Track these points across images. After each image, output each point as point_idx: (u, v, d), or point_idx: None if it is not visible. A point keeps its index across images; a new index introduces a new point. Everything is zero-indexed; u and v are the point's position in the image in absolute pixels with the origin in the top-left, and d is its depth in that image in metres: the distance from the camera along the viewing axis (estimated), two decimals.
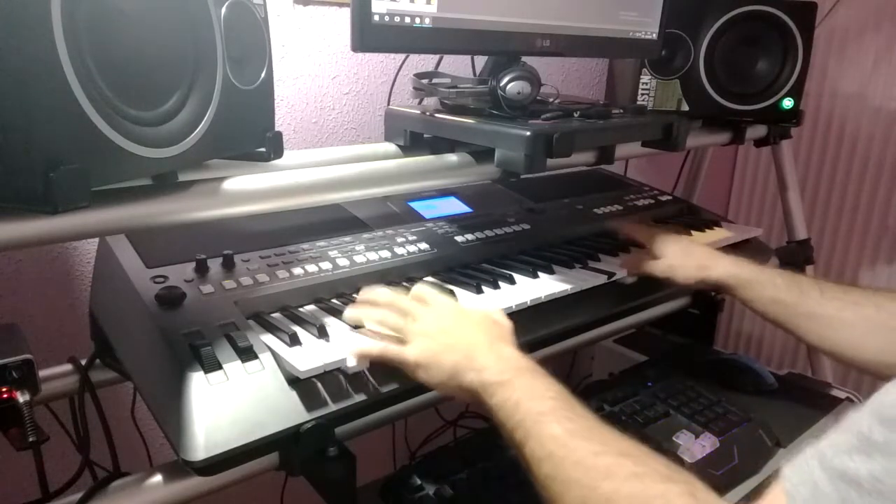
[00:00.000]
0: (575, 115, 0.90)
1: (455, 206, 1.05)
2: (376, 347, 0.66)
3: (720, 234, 1.18)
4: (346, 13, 0.94)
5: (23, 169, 0.46)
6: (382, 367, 0.68)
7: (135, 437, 0.94)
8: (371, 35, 0.76)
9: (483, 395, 0.61)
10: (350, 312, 0.71)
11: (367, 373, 0.67)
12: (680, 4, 1.09)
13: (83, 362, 0.78)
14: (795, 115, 1.21)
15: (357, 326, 0.71)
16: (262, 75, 0.69)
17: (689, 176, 1.63)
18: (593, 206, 1.17)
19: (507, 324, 0.70)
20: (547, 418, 0.56)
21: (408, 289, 0.73)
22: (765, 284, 0.86)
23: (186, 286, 0.71)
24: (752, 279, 0.87)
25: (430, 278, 0.86)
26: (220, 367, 0.61)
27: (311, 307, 0.77)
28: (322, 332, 0.68)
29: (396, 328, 0.68)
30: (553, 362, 0.64)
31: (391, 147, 0.95)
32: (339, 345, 0.67)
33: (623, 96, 1.36)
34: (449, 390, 0.65)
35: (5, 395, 0.63)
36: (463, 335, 0.66)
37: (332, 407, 0.63)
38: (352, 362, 0.65)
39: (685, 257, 0.92)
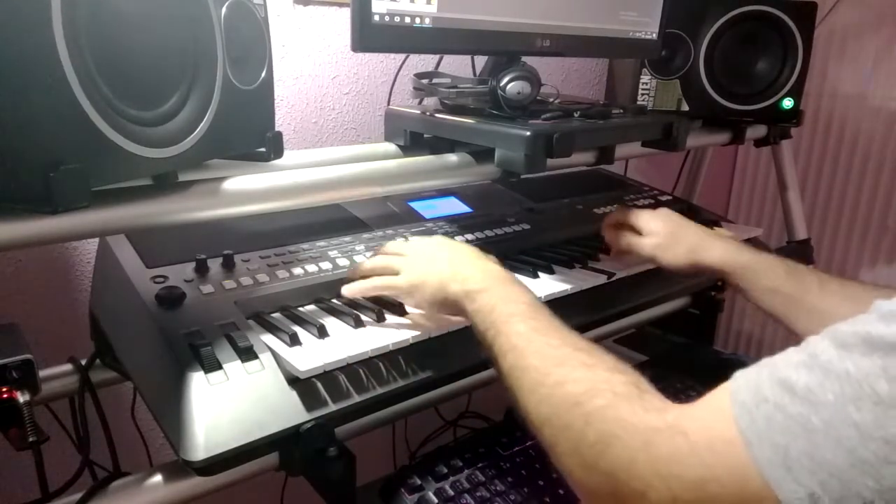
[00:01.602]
0: (575, 115, 0.90)
1: (455, 206, 1.05)
2: (368, 283, 0.73)
3: (720, 234, 1.18)
4: (346, 13, 0.94)
5: (23, 169, 0.46)
6: (383, 366, 0.68)
7: (135, 437, 0.94)
8: (371, 35, 0.76)
9: (464, 301, 0.66)
10: (347, 287, 0.74)
11: (367, 373, 0.67)
12: (680, 4, 1.09)
13: (83, 362, 0.78)
14: (795, 115, 1.21)
15: (358, 323, 0.71)
16: (262, 75, 0.69)
17: (689, 176, 1.63)
18: (593, 206, 1.16)
19: (490, 254, 0.75)
20: (515, 318, 0.61)
21: None
22: (764, 273, 0.81)
23: (186, 286, 0.71)
24: (749, 266, 0.81)
25: None
26: (220, 367, 0.61)
27: (311, 307, 0.77)
28: (322, 332, 0.68)
29: (387, 266, 0.74)
30: None
31: (391, 147, 0.95)
32: (339, 345, 0.67)
33: (623, 96, 1.36)
34: (437, 304, 0.70)
35: (5, 395, 0.63)
36: (450, 255, 0.71)
37: (332, 407, 0.63)
38: (351, 348, 0.67)
39: (675, 238, 0.86)
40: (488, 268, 0.69)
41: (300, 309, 0.76)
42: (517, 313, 0.61)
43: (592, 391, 0.51)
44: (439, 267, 0.70)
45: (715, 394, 0.46)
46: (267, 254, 0.80)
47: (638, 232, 0.90)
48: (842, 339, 0.41)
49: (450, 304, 0.68)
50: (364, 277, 0.75)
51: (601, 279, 0.91)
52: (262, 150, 0.73)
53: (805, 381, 0.40)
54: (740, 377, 0.45)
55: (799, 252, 1.40)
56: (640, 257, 0.90)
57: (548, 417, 0.53)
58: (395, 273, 0.73)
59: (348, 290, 0.73)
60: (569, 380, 0.53)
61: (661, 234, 0.87)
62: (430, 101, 0.98)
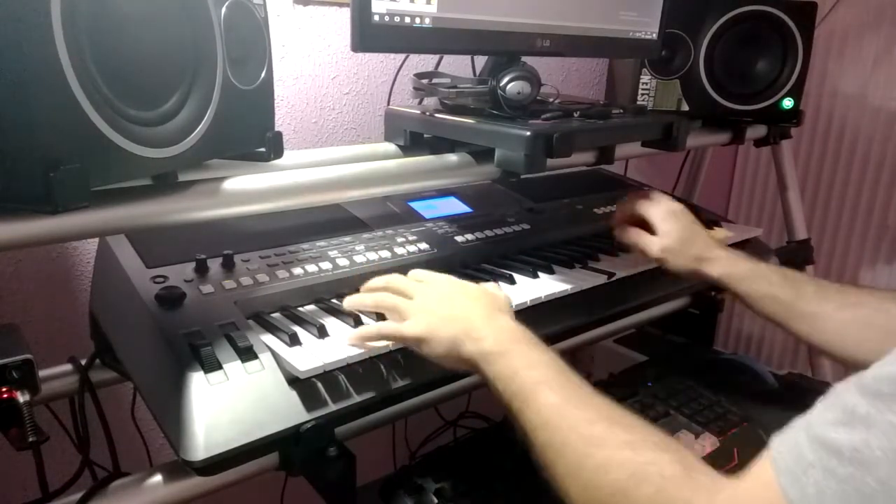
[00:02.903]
0: (575, 115, 0.90)
1: (455, 206, 1.05)
2: (374, 327, 0.68)
3: (720, 234, 1.18)
4: (346, 13, 0.94)
5: (23, 169, 0.46)
6: (383, 366, 0.68)
7: (135, 437, 0.94)
8: (371, 35, 0.76)
9: (482, 364, 0.62)
10: (349, 299, 0.73)
11: (367, 373, 0.67)
12: (680, 4, 1.09)
13: (83, 362, 0.78)
14: (795, 115, 1.21)
15: (358, 323, 0.71)
16: (262, 75, 0.69)
17: (689, 176, 1.63)
18: (593, 206, 1.16)
19: (504, 296, 0.71)
20: (543, 387, 0.57)
21: None
22: (760, 281, 0.84)
23: (186, 286, 0.71)
24: (746, 275, 0.85)
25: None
26: (220, 367, 0.61)
27: (311, 307, 0.77)
28: (322, 332, 0.68)
29: (394, 307, 0.69)
30: None
31: (391, 147, 0.95)
32: (339, 345, 0.67)
33: (623, 96, 1.36)
34: (449, 361, 0.65)
35: (5, 395, 0.63)
36: (461, 307, 0.67)
37: (332, 407, 0.63)
38: (351, 348, 0.66)
39: (683, 245, 0.88)
40: (503, 325, 0.65)
41: (300, 309, 0.76)
42: (543, 381, 0.58)
43: (639, 476, 0.48)
44: (451, 322, 0.65)
45: (758, 465, 0.45)
46: (267, 254, 0.80)
47: (648, 226, 0.90)
48: (872, 387, 0.40)
49: (463, 363, 0.64)
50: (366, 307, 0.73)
51: (601, 279, 0.91)
52: (262, 150, 0.73)
53: (848, 439, 0.39)
54: (778, 444, 0.44)
55: (799, 252, 1.40)
56: (644, 256, 0.90)
57: None
58: (398, 310, 0.69)
59: (353, 338, 0.67)
60: (612, 463, 0.50)
61: (672, 238, 0.87)
62: (430, 101, 0.98)
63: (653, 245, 0.89)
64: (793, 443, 0.42)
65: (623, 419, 0.54)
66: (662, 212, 0.90)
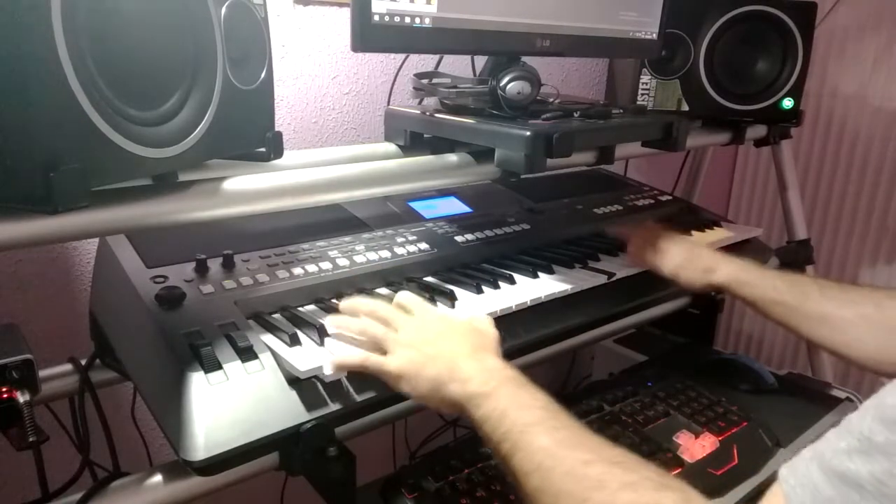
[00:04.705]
0: (575, 115, 0.90)
1: (455, 206, 1.05)
2: (357, 357, 0.64)
3: (720, 234, 1.18)
4: (346, 13, 0.94)
5: (23, 169, 0.46)
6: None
7: (135, 437, 0.94)
8: (371, 35, 0.76)
9: (468, 406, 0.59)
10: (332, 319, 0.69)
11: (367, 373, 0.67)
12: (680, 4, 1.09)
13: (83, 362, 0.78)
14: (795, 115, 1.21)
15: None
16: (262, 75, 0.69)
17: (689, 176, 1.63)
18: (593, 206, 1.16)
19: (492, 332, 0.68)
20: (534, 429, 0.54)
21: (396, 291, 0.73)
22: (766, 287, 0.87)
23: (186, 286, 0.71)
24: (753, 282, 0.88)
25: (430, 278, 0.86)
26: (220, 367, 0.61)
27: (311, 307, 0.77)
28: (322, 332, 0.68)
29: (378, 338, 0.66)
30: (553, 362, 0.64)
31: (391, 147, 0.95)
32: (339, 344, 0.67)
33: (623, 96, 1.36)
34: (433, 402, 0.63)
35: (5, 395, 0.63)
36: (445, 345, 0.64)
37: (332, 407, 0.63)
38: (329, 371, 0.63)
39: (690, 260, 0.93)
40: (489, 365, 0.62)
41: (300, 309, 0.76)
42: (534, 422, 0.55)
43: None
44: (434, 361, 0.62)
45: (768, 499, 0.43)
46: (267, 254, 0.80)
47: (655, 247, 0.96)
48: (891, 414, 0.38)
49: (447, 405, 0.62)
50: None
51: (601, 279, 0.91)
52: (262, 150, 0.73)
53: (868, 470, 0.37)
54: (789, 476, 0.42)
55: (799, 252, 1.40)
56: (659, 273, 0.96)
57: None
58: (382, 342, 0.65)
59: (333, 362, 0.63)
60: None
61: (680, 256, 0.94)
62: (430, 101, 0.98)
63: (662, 265, 0.94)
64: (806, 475, 0.40)
65: (621, 458, 0.51)
66: (669, 237, 0.97)
